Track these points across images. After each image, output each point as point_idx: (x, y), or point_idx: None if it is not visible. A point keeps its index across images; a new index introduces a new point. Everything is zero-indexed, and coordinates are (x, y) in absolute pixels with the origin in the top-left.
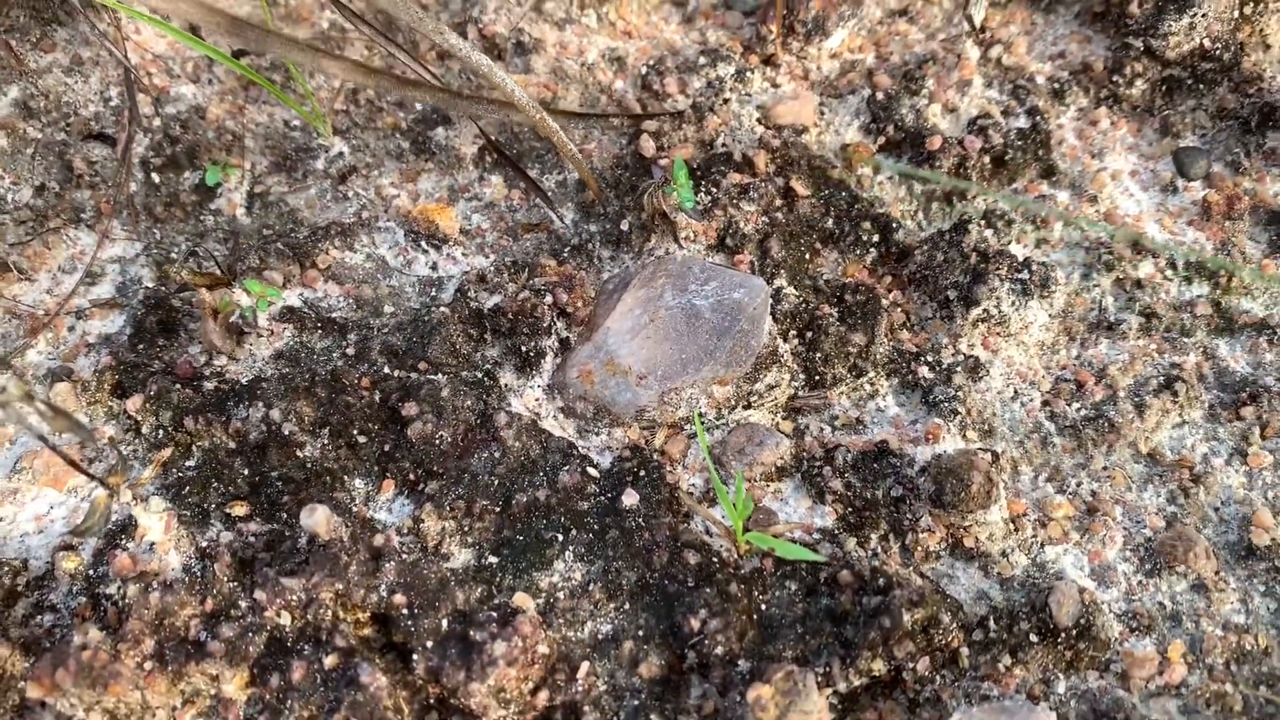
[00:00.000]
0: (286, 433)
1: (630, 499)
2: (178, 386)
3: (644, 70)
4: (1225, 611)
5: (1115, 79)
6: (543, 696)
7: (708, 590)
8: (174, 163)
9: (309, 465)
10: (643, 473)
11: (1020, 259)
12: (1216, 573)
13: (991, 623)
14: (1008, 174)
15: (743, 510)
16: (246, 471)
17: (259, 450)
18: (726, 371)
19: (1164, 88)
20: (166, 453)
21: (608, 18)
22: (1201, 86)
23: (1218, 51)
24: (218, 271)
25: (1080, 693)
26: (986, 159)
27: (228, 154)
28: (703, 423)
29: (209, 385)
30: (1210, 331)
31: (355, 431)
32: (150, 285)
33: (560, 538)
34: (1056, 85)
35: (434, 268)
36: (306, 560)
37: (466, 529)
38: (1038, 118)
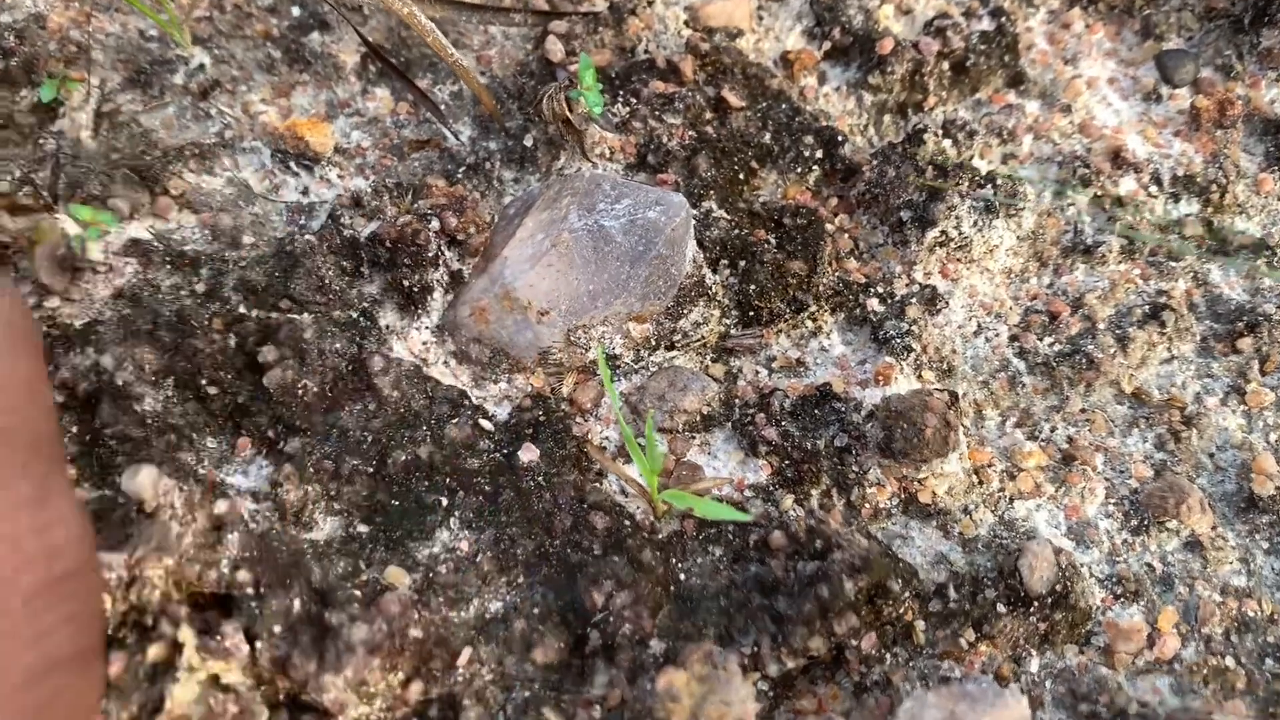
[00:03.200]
0: (121, 383)
1: (528, 454)
2: None
3: None
4: (1224, 573)
5: None
6: (415, 689)
7: (616, 559)
8: (8, 79)
9: (149, 421)
10: (545, 424)
11: (983, 172)
12: (1213, 528)
13: (952, 591)
14: (970, 82)
15: (654, 462)
16: (76, 429)
17: (89, 404)
18: (644, 305)
19: None
20: None
21: None
22: None
23: None
24: (35, 195)
25: (1056, 671)
26: (945, 65)
27: (67, 67)
28: (616, 367)
29: None
30: (1201, 254)
31: (204, 381)
32: None
33: (444, 501)
34: None
35: (305, 192)
36: (132, 532)
37: (334, 494)
38: (1003, 19)
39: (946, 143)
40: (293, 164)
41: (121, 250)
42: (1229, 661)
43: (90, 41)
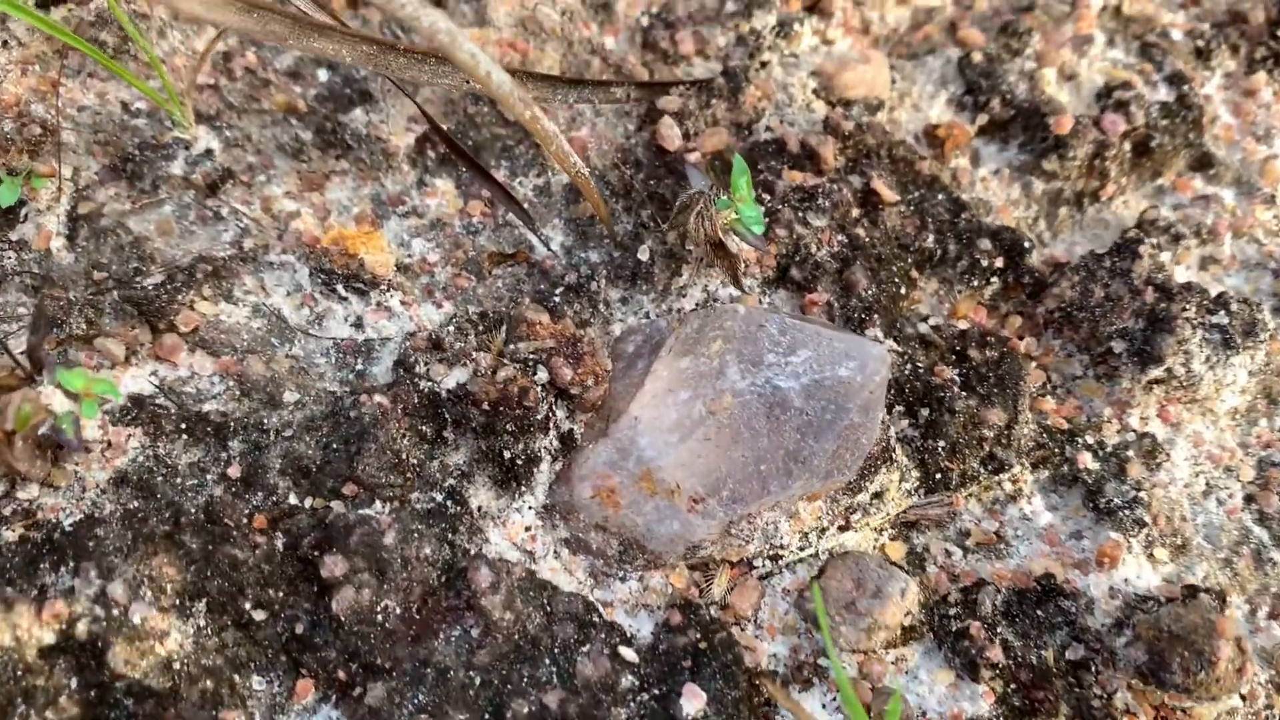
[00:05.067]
0: (138, 619)
1: (693, 702)
2: None
3: (645, 20)
4: None
5: (1279, 35)
6: None
7: None
8: None
9: (178, 665)
10: (707, 653)
11: (1213, 296)
12: None
13: None
14: (1152, 166)
15: None
16: (75, 683)
17: (95, 648)
18: (824, 484)
19: None
20: None
21: None
22: None
23: None
24: (10, 362)
25: None
26: (1126, 146)
27: (32, 158)
28: (778, 557)
29: (9, 535)
30: None
31: (248, 605)
32: None
33: None
34: (1199, 43)
35: (358, 325)
36: None
37: None
38: (1184, 87)
39: (1165, 256)
40: (340, 286)
41: (120, 415)
42: None
43: (60, 119)
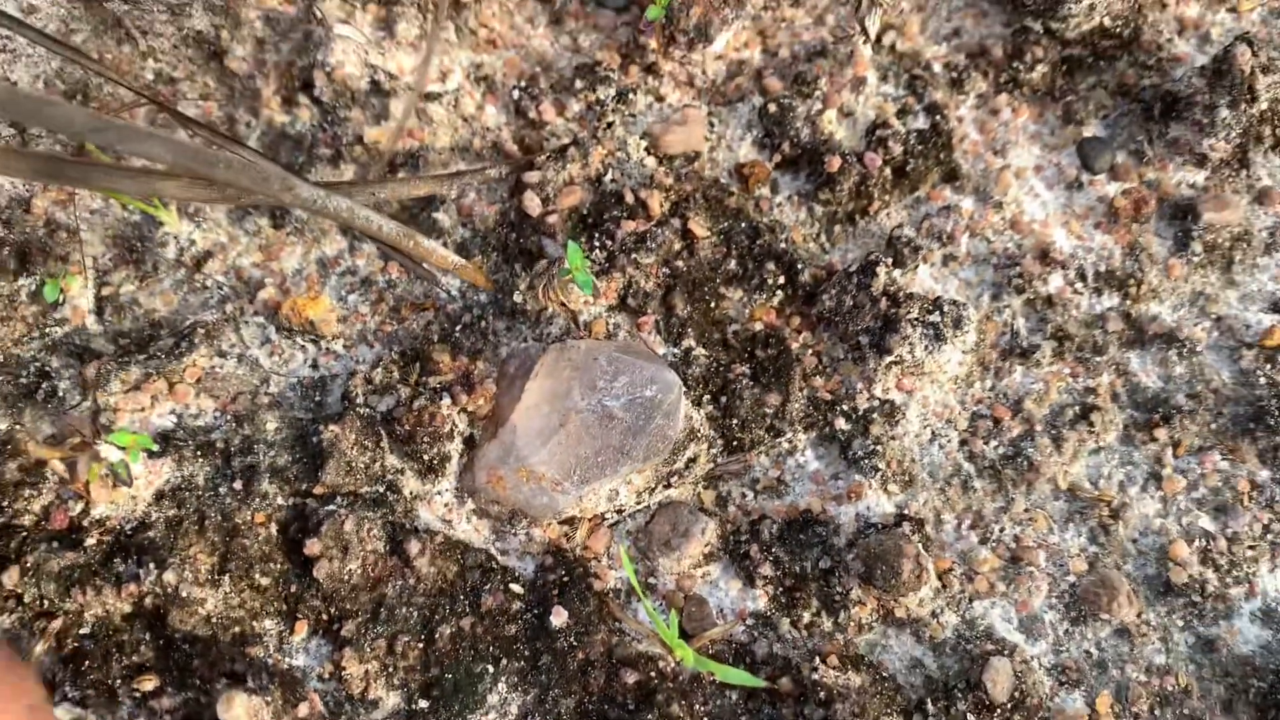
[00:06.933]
0: (185, 593)
1: (559, 618)
2: (55, 546)
3: (516, 93)
4: (1147, 653)
5: (1015, 64)
6: None
7: (649, 715)
8: (2, 268)
9: (214, 619)
10: (568, 581)
11: (931, 300)
12: (1139, 615)
13: (929, 705)
14: (909, 183)
15: (674, 637)
16: (148, 636)
17: (158, 613)
18: (645, 463)
19: (1064, 68)
20: (57, 624)
21: (468, 26)
22: (1101, 62)
23: (1118, 29)
24: (77, 435)
25: None
26: (888, 171)
27: (64, 261)
28: (620, 510)
29: (91, 541)
30: (1122, 345)
31: (257, 574)
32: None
33: (491, 669)
34: (954, 73)
35: (314, 365)
36: None
37: (391, 669)
38: (937, 116)
39: (897, 272)
40: (298, 338)
41: (155, 451)
42: None
43: (77, 222)
